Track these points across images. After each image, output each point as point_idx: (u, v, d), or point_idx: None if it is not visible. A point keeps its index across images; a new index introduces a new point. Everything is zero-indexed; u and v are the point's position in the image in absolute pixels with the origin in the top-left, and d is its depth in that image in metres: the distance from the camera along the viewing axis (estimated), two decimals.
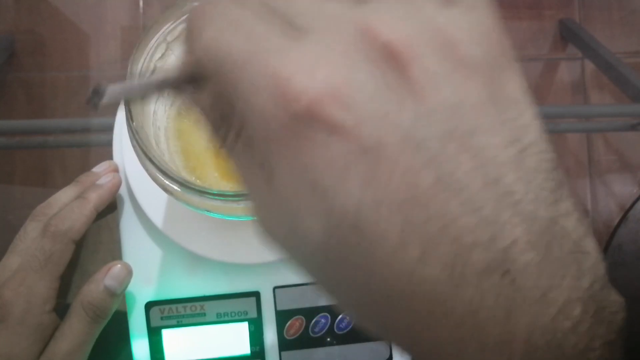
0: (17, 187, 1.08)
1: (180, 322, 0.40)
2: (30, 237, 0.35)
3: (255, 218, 0.17)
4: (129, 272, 0.37)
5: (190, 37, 0.16)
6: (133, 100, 0.17)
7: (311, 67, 0.14)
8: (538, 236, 0.13)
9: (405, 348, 0.15)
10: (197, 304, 0.40)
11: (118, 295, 0.36)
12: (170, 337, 0.40)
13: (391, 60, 0.14)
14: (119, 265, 0.37)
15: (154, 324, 0.40)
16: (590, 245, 0.14)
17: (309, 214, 0.14)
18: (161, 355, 0.40)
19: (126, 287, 0.37)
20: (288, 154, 0.14)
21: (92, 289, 0.35)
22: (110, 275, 0.36)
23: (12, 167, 1.08)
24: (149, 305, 0.40)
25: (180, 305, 0.40)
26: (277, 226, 0.16)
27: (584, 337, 0.13)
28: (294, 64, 0.14)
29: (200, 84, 0.16)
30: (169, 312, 0.40)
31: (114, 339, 0.52)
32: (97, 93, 0.16)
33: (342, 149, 0.13)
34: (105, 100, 0.16)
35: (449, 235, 0.13)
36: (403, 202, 0.13)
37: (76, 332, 0.34)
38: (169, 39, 0.28)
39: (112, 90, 0.16)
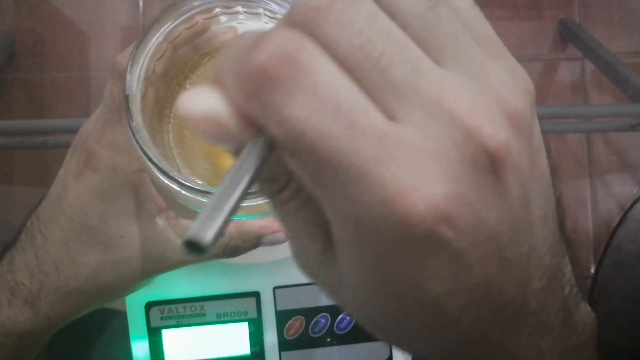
0: (17, 187, 1.08)
1: (180, 322, 0.40)
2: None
3: (304, 269, 0.19)
4: (285, 240, 0.34)
5: (264, 104, 0.14)
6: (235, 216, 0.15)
7: (426, 183, 0.14)
8: (547, 287, 0.17)
9: None
10: (197, 304, 0.40)
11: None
12: (170, 337, 0.40)
13: (489, 165, 0.14)
14: (282, 234, 0.34)
15: (153, 324, 0.40)
16: (568, 270, 0.19)
17: (383, 299, 0.17)
18: (161, 355, 0.40)
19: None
20: (391, 262, 0.15)
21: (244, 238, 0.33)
22: (271, 238, 0.33)
23: (12, 167, 1.08)
24: (148, 306, 0.40)
25: (180, 306, 0.40)
26: (342, 300, 0.18)
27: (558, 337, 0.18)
28: (407, 176, 0.13)
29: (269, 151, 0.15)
30: (169, 312, 0.40)
31: (114, 339, 0.52)
32: (193, 246, 0.14)
33: (443, 259, 0.15)
34: (208, 244, 0.14)
35: (494, 306, 0.16)
36: (472, 289, 0.15)
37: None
38: (169, 38, 0.28)
39: (206, 235, 0.14)
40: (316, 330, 0.41)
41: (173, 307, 0.40)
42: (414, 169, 0.13)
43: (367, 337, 0.41)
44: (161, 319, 0.40)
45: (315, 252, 0.17)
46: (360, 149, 0.13)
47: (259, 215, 0.28)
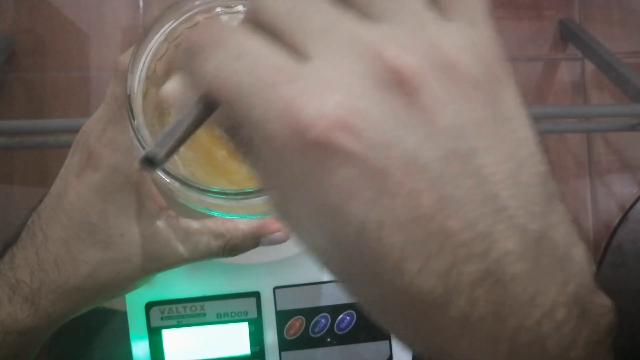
0: (17, 187, 1.08)
1: (180, 322, 0.40)
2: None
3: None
4: (284, 240, 0.34)
5: (193, 70, 0.16)
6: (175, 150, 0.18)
7: (321, 95, 0.14)
8: (528, 247, 0.15)
9: (410, 342, 0.17)
10: (197, 304, 0.40)
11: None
12: (171, 337, 0.40)
13: (401, 86, 0.15)
14: (281, 234, 0.34)
15: (154, 324, 0.40)
16: (578, 254, 0.16)
17: (315, 230, 0.16)
18: (161, 355, 0.40)
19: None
20: (299, 177, 0.15)
21: (241, 237, 0.33)
22: (270, 238, 0.33)
23: (12, 167, 1.08)
24: (149, 306, 0.40)
25: (180, 306, 0.40)
26: (295, 234, 0.17)
27: (567, 337, 0.15)
28: (303, 92, 0.15)
29: (212, 108, 0.17)
30: (169, 312, 0.40)
31: (114, 339, 0.52)
32: (149, 162, 0.16)
33: (350, 174, 0.14)
34: (161, 159, 0.16)
35: (446, 250, 0.14)
36: (405, 222, 0.14)
37: (203, 256, 0.32)
38: (170, 38, 0.28)
39: (160, 152, 0.16)
40: (316, 330, 0.41)
41: (173, 307, 0.40)
42: (313, 88, 0.15)
43: (367, 337, 0.41)
44: (161, 319, 0.40)
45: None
46: (260, 81, 0.15)
47: (258, 215, 0.28)
